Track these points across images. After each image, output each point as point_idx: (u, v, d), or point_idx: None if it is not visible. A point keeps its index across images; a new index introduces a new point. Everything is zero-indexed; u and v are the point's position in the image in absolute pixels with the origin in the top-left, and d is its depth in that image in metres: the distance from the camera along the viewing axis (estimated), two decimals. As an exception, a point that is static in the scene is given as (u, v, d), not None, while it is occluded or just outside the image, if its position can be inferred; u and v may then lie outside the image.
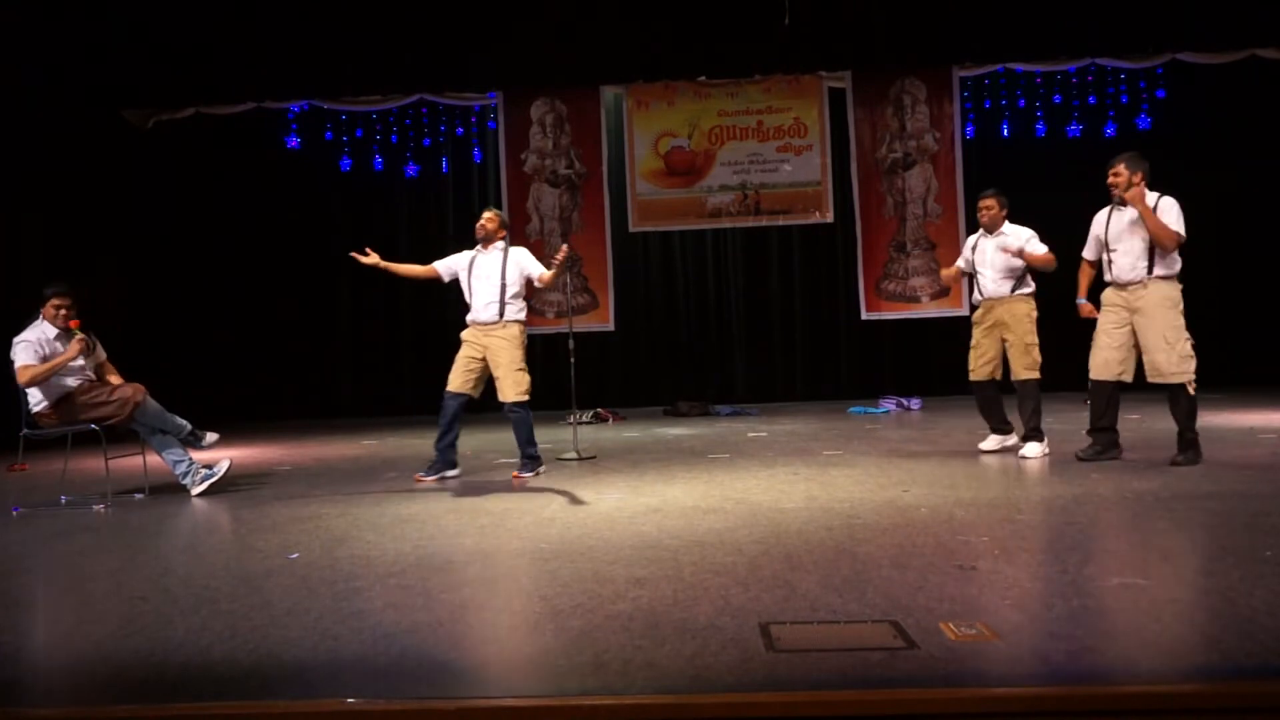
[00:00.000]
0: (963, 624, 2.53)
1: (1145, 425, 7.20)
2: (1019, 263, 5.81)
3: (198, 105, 10.31)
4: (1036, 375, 5.84)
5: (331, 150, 11.32)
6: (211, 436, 5.62)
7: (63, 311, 5.34)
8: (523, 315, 5.66)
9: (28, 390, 5.22)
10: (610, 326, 10.86)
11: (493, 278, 5.60)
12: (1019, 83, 10.97)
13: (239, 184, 11.16)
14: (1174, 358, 5.13)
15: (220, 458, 5.77)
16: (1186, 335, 5.21)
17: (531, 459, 5.75)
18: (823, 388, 11.35)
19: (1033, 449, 5.81)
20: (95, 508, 5.11)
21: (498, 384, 5.59)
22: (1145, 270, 5.23)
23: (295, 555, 3.72)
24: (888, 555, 3.36)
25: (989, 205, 5.98)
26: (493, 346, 5.56)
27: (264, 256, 11.36)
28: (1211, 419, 7.36)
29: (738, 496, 4.74)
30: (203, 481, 5.43)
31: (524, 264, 5.69)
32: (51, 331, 5.29)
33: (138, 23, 9.23)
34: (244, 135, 10.93)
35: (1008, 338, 5.88)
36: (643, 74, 10.62)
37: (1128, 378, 5.38)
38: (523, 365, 5.59)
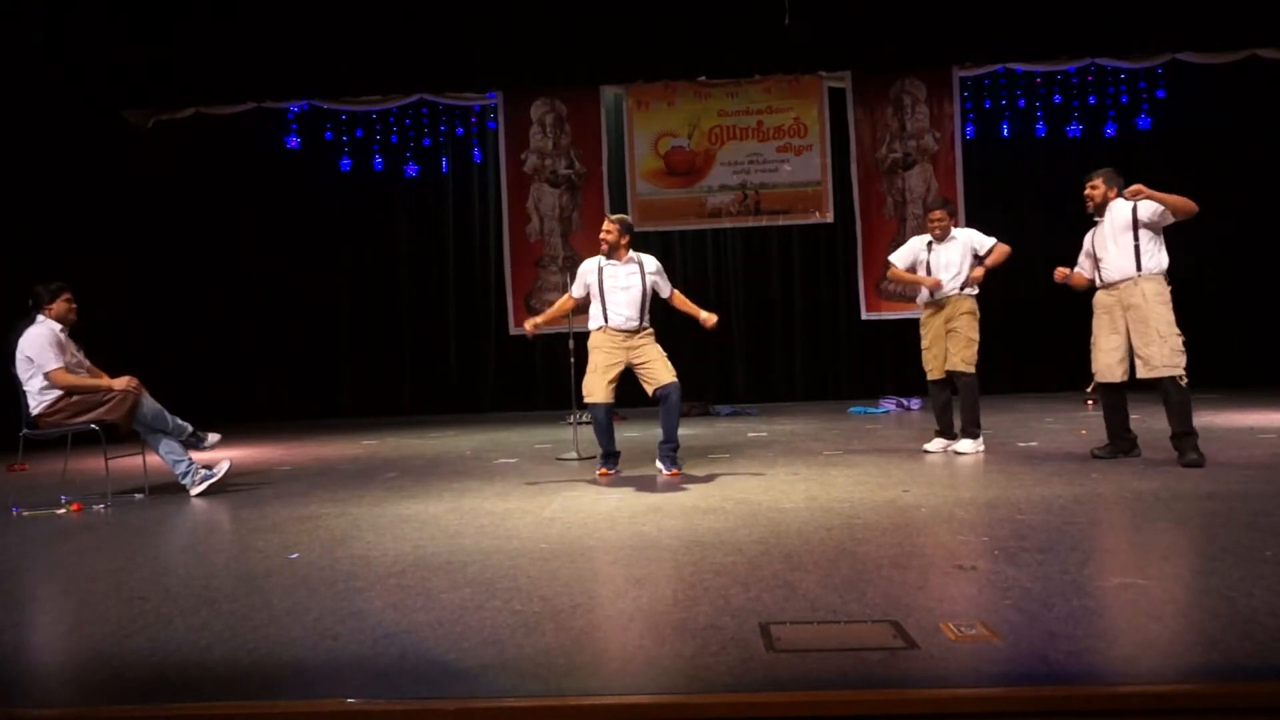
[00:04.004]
0: (963, 624, 2.53)
1: (1145, 425, 7.19)
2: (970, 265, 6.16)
3: (198, 105, 10.32)
4: (973, 370, 6.06)
5: (331, 150, 11.33)
6: (213, 438, 5.62)
7: (74, 306, 5.43)
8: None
9: (32, 388, 5.22)
10: (610, 326, 10.91)
11: (631, 289, 5.55)
12: (1019, 83, 10.99)
13: (239, 184, 11.17)
14: (1165, 350, 5.21)
15: (220, 458, 5.76)
16: (1178, 331, 5.28)
17: (676, 449, 5.66)
18: (823, 388, 11.36)
19: (966, 445, 6.02)
20: (95, 508, 5.11)
21: (651, 373, 5.53)
22: (1134, 268, 5.37)
23: (295, 555, 3.72)
24: (888, 555, 3.36)
25: (940, 218, 6.25)
26: (636, 348, 5.57)
27: (264, 257, 11.37)
28: (1211, 419, 7.36)
29: (738, 496, 4.73)
30: (202, 482, 5.43)
31: (660, 281, 5.66)
32: (58, 326, 5.34)
33: (138, 23, 9.23)
34: (244, 135, 10.94)
35: (953, 333, 6.10)
36: (643, 74, 10.64)
37: (1126, 377, 5.46)
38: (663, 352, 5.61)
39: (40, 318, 5.33)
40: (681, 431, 6.75)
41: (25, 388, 5.26)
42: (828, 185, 10.98)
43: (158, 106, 10.29)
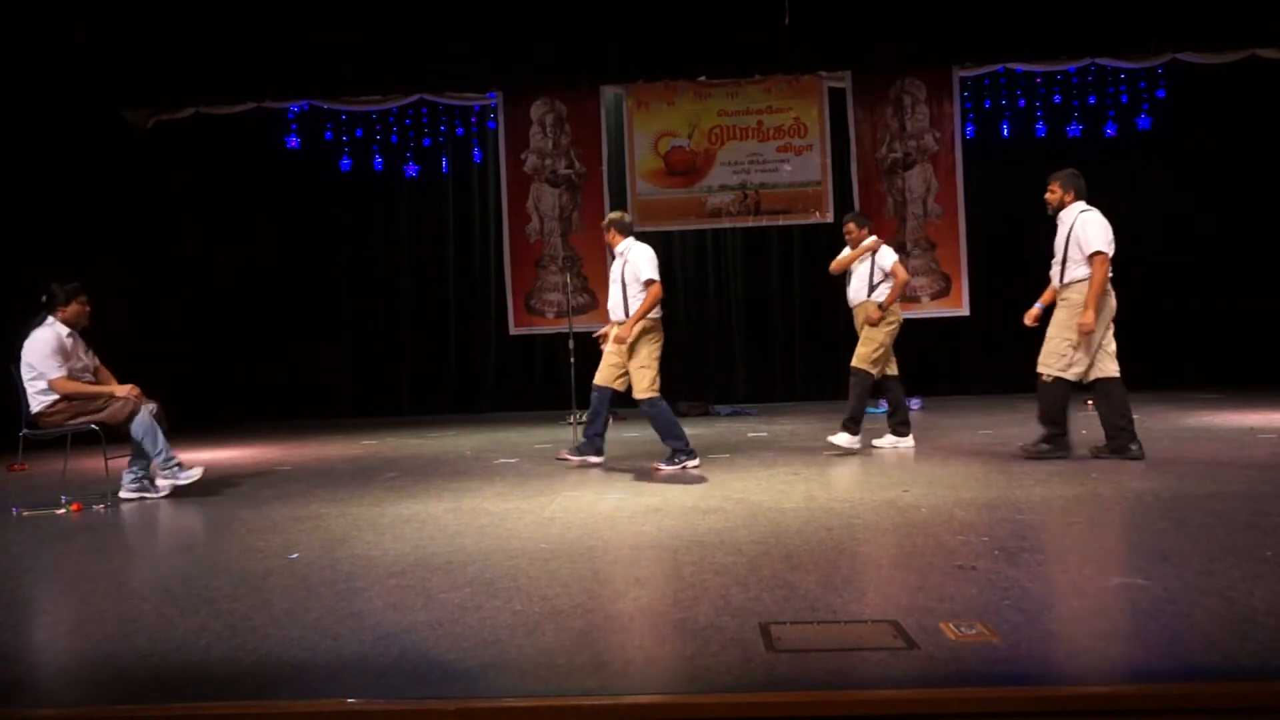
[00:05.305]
0: (963, 624, 2.53)
1: (1144, 425, 7.20)
2: (878, 275, 6.40)
3: (198, 105, 10.31)
4: (865, 369, 6.29)
5: (331, 150, 11.33)
6: (195, 473, 5.37)
7: (87, 309, 5.41)
8: (656, 314, 5.78)
9: (32, 389, 5.21)
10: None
11: (617, 280, 5.88)
12: (1019, 83, 10.98)
13: (239, 184, 11.17)
14: (1045, 350, 5.55)
15: (196, 464, 5.53)
16: (1068, 337, 5.46)
17: (677, 451, 5.73)
18: (823, 388, 11.35)
19: (842, 439, 6.23)
20: (95, 508, 5.11)
21: (630, 379, 5.81)
22: (1059, 280, 5.63)
23: (295, 555, 3.72)
24: (888, 555, 3.36)
25: (849, 230, 6.59)
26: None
27: (264, 257, 11.36)
28: (1212, 419, 7.37)
29: (738, 496, 4.74)
30: (170, 476, 5.28)
31: (632, 266, 5.79)
32: (64, 330, 5.30)
33: (138, 23, 9.23)
34: (244, 135, 10.93)
35: (862, 334, 6.39)
36: (643, 74, 10.62)
37: (1083, 376, 5.59)
38: (647, 363, 5.71)
39: (50, 319, 5.29)
40: (681, 431, 6.73)
41: (26, 387, 5.25)
42: (828, 185, 10.97)
43: (158, 106, 10.28)
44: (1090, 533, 3.67)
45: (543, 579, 3.20)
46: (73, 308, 5.35)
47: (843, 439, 6.20)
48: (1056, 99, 10.93)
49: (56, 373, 5.16)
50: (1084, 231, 5.46)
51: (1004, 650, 2.36)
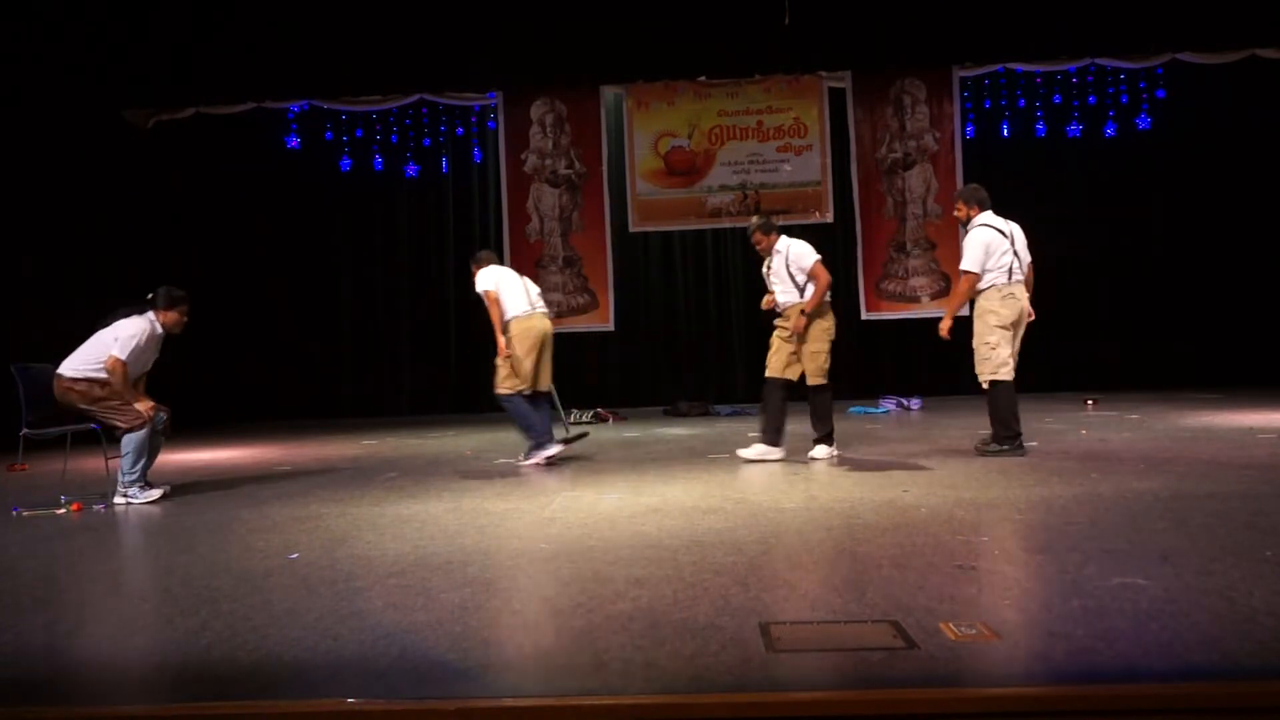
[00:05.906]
0: (963, 624, 2.53)
1: (1145, 425, 7.21)
2: (800, 277, 6.02)
3: (198, 105, 10.32)
4: (823, 381, 6.04)
5: (331, 150, 11.33)
6: (155, 492, 5.31)
7: (185, 320, 5.53)
8: (507, 315, 6.38)
9: (86, 352, 5.19)
10: (610, 326, 10.86)
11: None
12: (1019, 83, 10.99)
13: (239, 184, 11.17)
14: (976, 361, 5.75)
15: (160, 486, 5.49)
16: (987, 341, 5.71)
17: (534, 446, 6.17)
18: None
19: (821, 451, 6.10)
20: (95, 508, 5.11)
21: None
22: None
23: (295, 555, 3.72)
24: (888, 555, 3.36)
25: (757, 240, 6.21)
26: None
27: (264, 257, 11.37)
28: (1211, 419, 7.37)
29: (738, 496, 4.73)
30: (129, 488, 5.22)
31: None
32: (159, 331, 5.40)
33: (138, 23, 9.23)
34: (244, 135, 10.94)
35: (799, 346, 5.99)
36: (643, 74, 10.63)
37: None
38: (500, 361, 6.24)
39: (151, 314, 5.38)
40: (683, 431, 6.77)
41: (84, 346, 5.24)
42: (828, 185, 10.98)
43: (158, 106, 10.29)
44: (1090, 533, 3.67)
45: (543, 579, 3.20)
46: (172, 315, 5.45)
47: (821, 451, 6.09)
48: (1056, 99, 10.95)
49: (122, 355, 5.16)
50: (964, 248, 5.79)
51: (1004, 650, 2.36)
